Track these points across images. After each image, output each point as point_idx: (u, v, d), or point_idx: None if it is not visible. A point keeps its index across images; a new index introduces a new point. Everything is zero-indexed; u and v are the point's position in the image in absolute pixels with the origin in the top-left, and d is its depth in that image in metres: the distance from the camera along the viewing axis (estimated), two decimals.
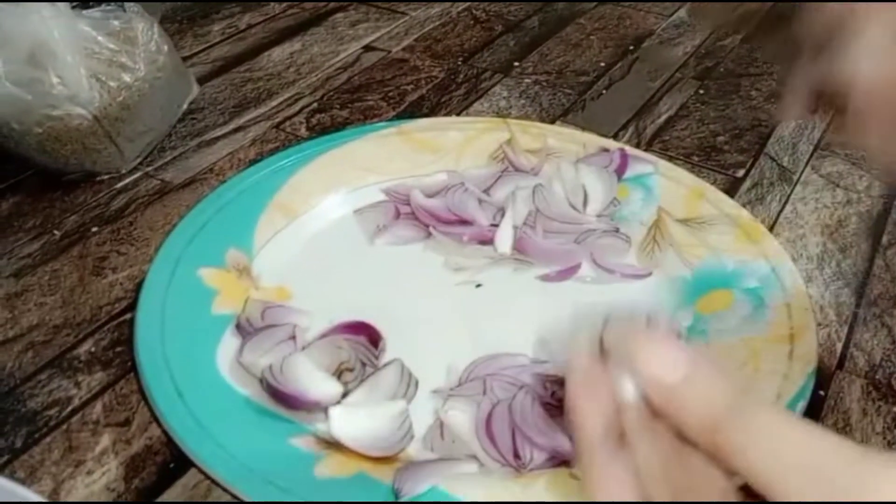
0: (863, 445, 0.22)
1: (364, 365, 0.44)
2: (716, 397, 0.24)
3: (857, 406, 0.44)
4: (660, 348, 0.26)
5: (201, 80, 0.70)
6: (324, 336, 0.45)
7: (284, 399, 0.41)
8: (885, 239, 0.55)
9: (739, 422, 0.23)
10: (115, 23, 0.57)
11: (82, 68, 0.55)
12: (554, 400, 0.42)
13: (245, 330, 0.45)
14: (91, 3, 0.58)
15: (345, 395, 0.41)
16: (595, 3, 0.86)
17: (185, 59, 0.73)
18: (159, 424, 0.42)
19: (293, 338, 0.44)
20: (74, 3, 0.56)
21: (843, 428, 0.43)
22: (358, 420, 0.40)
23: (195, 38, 0.78)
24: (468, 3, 0.86)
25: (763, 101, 0.70)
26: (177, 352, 0.43)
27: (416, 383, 0.43)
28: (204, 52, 0.76)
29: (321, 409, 0.41)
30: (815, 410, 0.43)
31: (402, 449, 0.40)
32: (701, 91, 0.71)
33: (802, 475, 0.21)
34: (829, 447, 0.22)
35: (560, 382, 0.43)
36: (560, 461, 0.39)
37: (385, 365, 0.44)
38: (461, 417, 0.41)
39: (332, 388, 0.41)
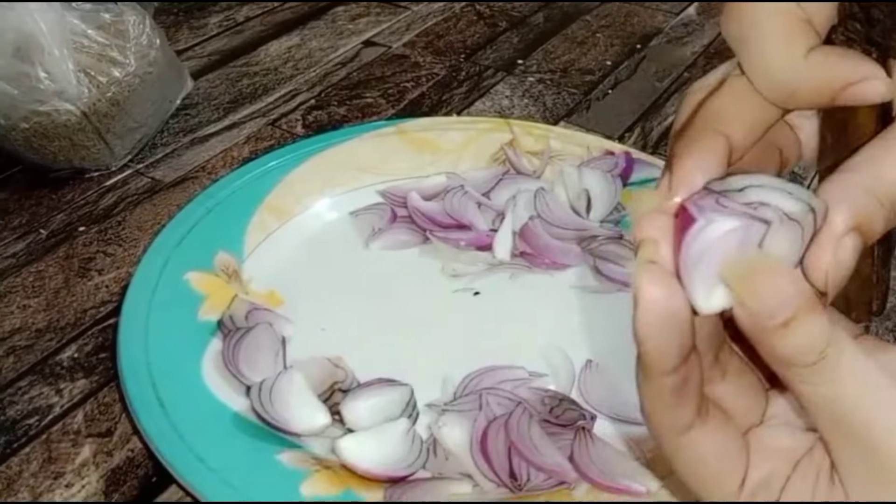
0: None
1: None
2: (820, 342, 0.21)
3: None
4: (773, 279, 0.21)
5: (196, 75, 0.68)
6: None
7: (269, 425, 0.39)
8: None
9: (841, 370, 0.21)
10: (106, 16, 0.56)
11: (70, 63, 0.53)
12: (552, 417, 0.40)
13: (228, 329, 0.44)
14: None
15: (335, 413, 0.40)
16: (602, 0, 0.84)
17: (180, 52, 0.71)
18: (140, 437, 0.40)
19: (280, 351, 0.42)
20: None
21: None
22: (369, 445, 0.38)
23: (191, 31, 0.77)
24: None
25: None
26: (160, 360, 0.41)
27: (415, 404, 0.41)
28: (199, 45, 0.75)
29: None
30: None
31: (424, 464, 0.38)
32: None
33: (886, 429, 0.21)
34: None
35: (558, 399, 0.41)
36: (558, 482, 0.38)
37: (381, 382, 0.42)
38: (455, 433, 0.39)
39: (319, 418, 0.39)
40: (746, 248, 0.22)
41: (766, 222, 0.21)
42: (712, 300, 0.22)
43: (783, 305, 0.21)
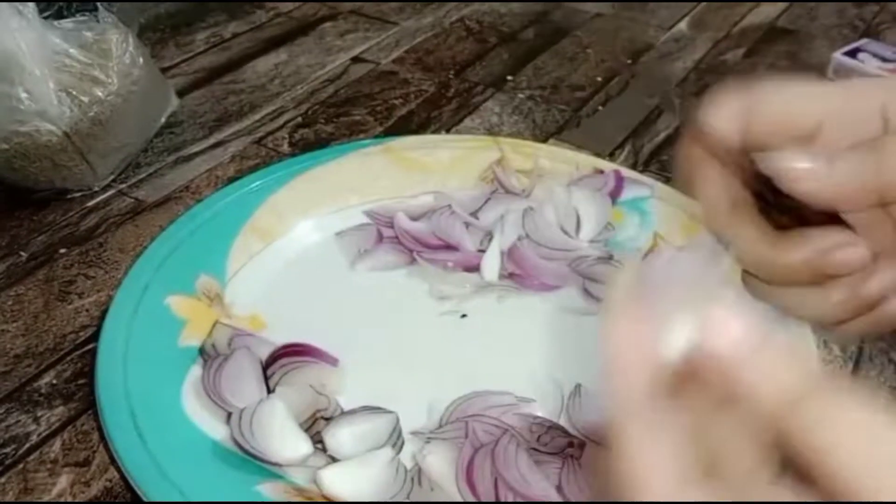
0: None
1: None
2: (792, 377, 0.21)
3: None
4: (729, 315, 0.21)
5: (182, 92, 0.67)
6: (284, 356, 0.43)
7: (249, 455, 0.38)
8: None
9: (818, 406, 0.20)
10: (88, 34, 0.55)
11: (51, 82, 0.52)
12: (540, 445, 0.39)
13: (209, 356, 0.43)
14: (64, 13, 0.56)
15: (317, 441, 0.39)
16: (592, 15, 0.83)
17: (166, 69, 0.71)
18: (117, 467, 0.39)
19: (261, 377, 0.41)
20: (46, 14, 0.54)
21: None
22: (352, 476, 0.38)
23: (178, 48, 0.76)
24: (461, 14, 0.83)
25: None
26: (139, 388, 0.40)
27: (401, 432, 0.40)
28: (186, 62, 0.74)
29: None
30: None
31: (409, 494, 0.38)
32: None
33: (881, 471, 0.19)
34: None
35: (546, 426, 0.40)
36: None
37: (365, 410, 0.41)
38: (441, 463, 0.38)
39: (301, 448, 0.38)
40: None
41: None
42: (680, 332, 0.22)
43: (751, 330, 0.21)
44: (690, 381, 0.23)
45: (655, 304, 0.22)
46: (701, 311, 0.22)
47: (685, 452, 0.22)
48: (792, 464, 0.21)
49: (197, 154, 0.62)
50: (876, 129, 0.27)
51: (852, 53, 0.71)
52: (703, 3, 0.86)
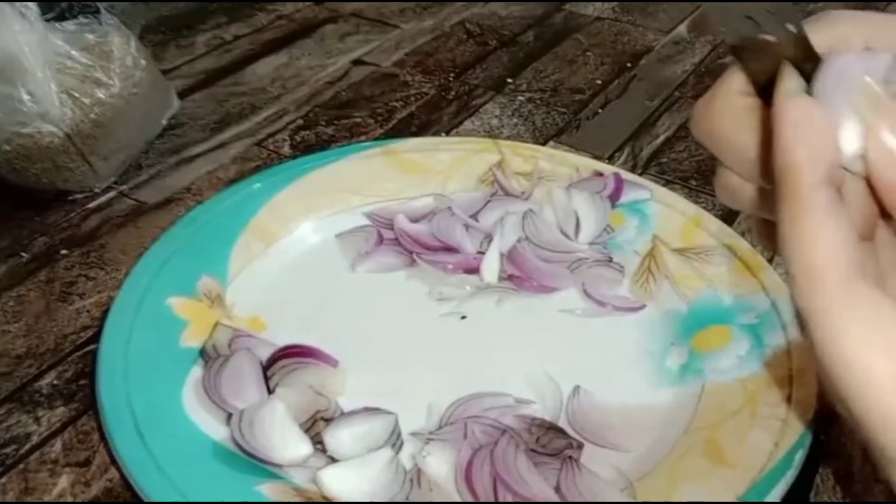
0: None
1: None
2: None
3: (859, 453, 0.42)
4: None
5: (183, 94, 0.68)
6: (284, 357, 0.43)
7: (249, 455, 0.38)
8: None
9: None
10: (90, 36, 0.55)
11: (53, 84, 0.53)
12: (539, 446, 0.39)
13: (210, 357, 0.43)
14: (66, 15, 0.56)
15: (317, 442, 0.39)
16: (592, 19, 0.84)
17: (167, 71, 0.71)
18: (117, 467, 0.39)
19: (262, 378, 0.42)
20: (48, 16, 0.54)
21: (844, 476, 0.41)
22: (351, 476, 0.38)
23: (179, 50, 0.76)
24: (461, 17, 0.84)
25: None
26: (140, 388, 0.40)
27: (400, 433, 0.40)
28: (187, 64, 0.74)
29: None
30: (814, 456, 0.41)
31: (408, 495, 0.38)
32: None
33: None
34: None
35: (545, 427, 0.40)
36: None
37: (365, 411, 0.41)
38: (440, 464, 0.38)
39: (301, 448, 0.38)
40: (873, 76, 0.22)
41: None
42: (850, 138, 0.22)
43: None
44: (860, 194, 0.22)
45: (831, 103, 0.22)
46: (872, 121, 0.21)
47: (856, 248, 0.21)
48: None
49: (198, 156, 0.62)
50: None
51: None
52: (702, 7, 0.86)
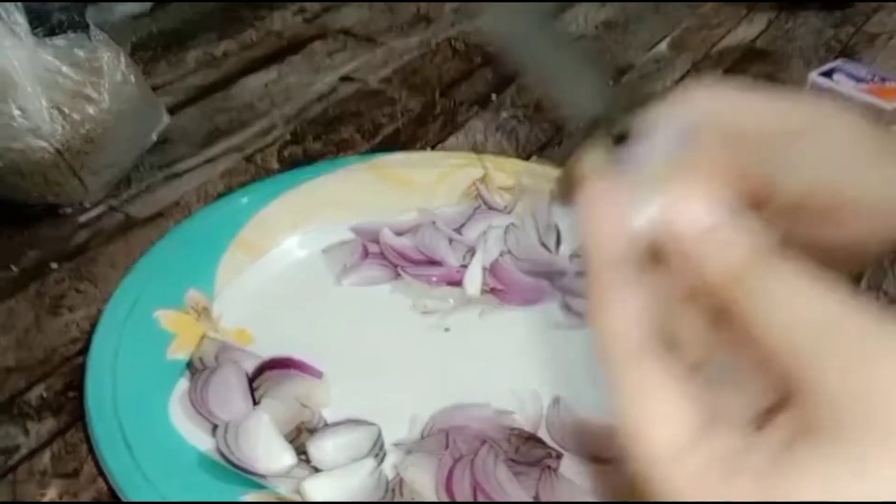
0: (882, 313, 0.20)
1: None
2: (741, 250, 0.22)
3: None
4: (689, 191, 0.23)
5: (173, 110, 0.68)
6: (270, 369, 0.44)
7: (235, 466, 0.39)
8: (863, 283, 0.54)
9: (760, 275, 0.21)
10: (80, 53, 0.56)
11: (44, 100, 0.53)
12: (518, 456, 0.40)
13: (197, 369, 0.44)
14: (56, 31, 0.57)
15: (301, 453, 0.40)
16: (575, 37, 0.85)
17: (157, 87, 0.72)
18: (105, 478, 0.40)
19: (248, 389, 0.42)
20: (38, 33, 0.55)
21: None
22: (334, 486, 0.39)
23: (169, 66, 0.77)
24: (447, 35, 0.85)
25: None
26: (127, 400, 0.41)
27: (383, 444, 0.41)
28: (177, 80, 0.75)
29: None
30: None
31: (393, 500, 0.39)
32: None
33: (812, 335, 0.20)
34: (845, 312, 0.20)
35: (524, 437, 0.41)
36: None
37: (348, 423, 0.42)
38: (421, 474, 0.39)
39: (285, 459, 0.39)
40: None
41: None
42: (645, 211, 0.23)
43: (706, 212, 0.22)
44: (657, 261, 0.24)
45: (627, 181, 0.24)
46: (663, 192, 0.23)
47: (649, 321, 0.22)
48: (736, 336, 0.22)
49: (187, 170, 0.63)
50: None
51: (828, 74, 0.73)
52: (683, 25, 0.88)
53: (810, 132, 0.27)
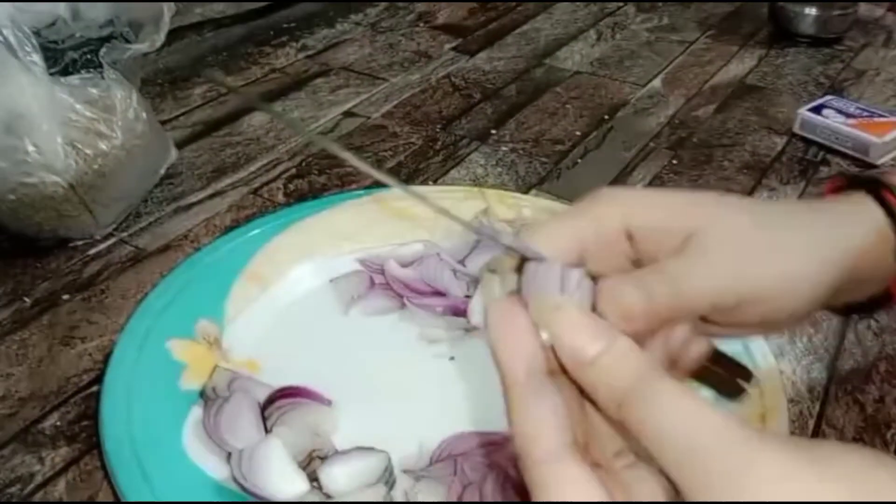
0: (752, 428, 0.23)
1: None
2: (625, 374, 0.24)
3: None
4: (576, 318, 0.26)
5: (180, 145, 0.70)
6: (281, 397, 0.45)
7: (249, 493, 0.40)
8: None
9: (643, 398, 0.24)
10: (94, 91, 0.58)
11: (59, 136, 0.55)
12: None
13: (210, 399, 0.45)
14: (70, 70, 0.58)
15: (313, 480, 0.41)
16: (571, 73, 0.87)
17: (164, 122, 0.73)
18: None
19: (260, 418, 0.43)
20: (53, 71, 0.57)
21: None
22: None
23: (176, 102, 0.79)
24: (447, 71, 0.87)
25: (735, 171, 0.71)
26: (142, 429, 0.42)
27: (392, 471, 0.42)
28: (184, 115, 0.77)
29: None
30: None
31: None
32: (674, 161, 0.72)
33: (682, 453, 0.23)
34: (713, 428, 0.23)
35: None
36: None
37: (358, 450, 0.43)
38: (431, 500, 0.40)
39: (298, 485, 0.40)
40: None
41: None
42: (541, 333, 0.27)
43: (592, 340, 0.25)
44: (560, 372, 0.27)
45: (528, 303, 0.27)
46: (557, 315, 0.26)
47: (562, 422, 0.25)
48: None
49: (195, 204, 0.64)
50: (625, 249, 0.31)
51: (817, 109, 0.75)
52: (676, 62, 0.90)
53: (701, 233, 0.30)
